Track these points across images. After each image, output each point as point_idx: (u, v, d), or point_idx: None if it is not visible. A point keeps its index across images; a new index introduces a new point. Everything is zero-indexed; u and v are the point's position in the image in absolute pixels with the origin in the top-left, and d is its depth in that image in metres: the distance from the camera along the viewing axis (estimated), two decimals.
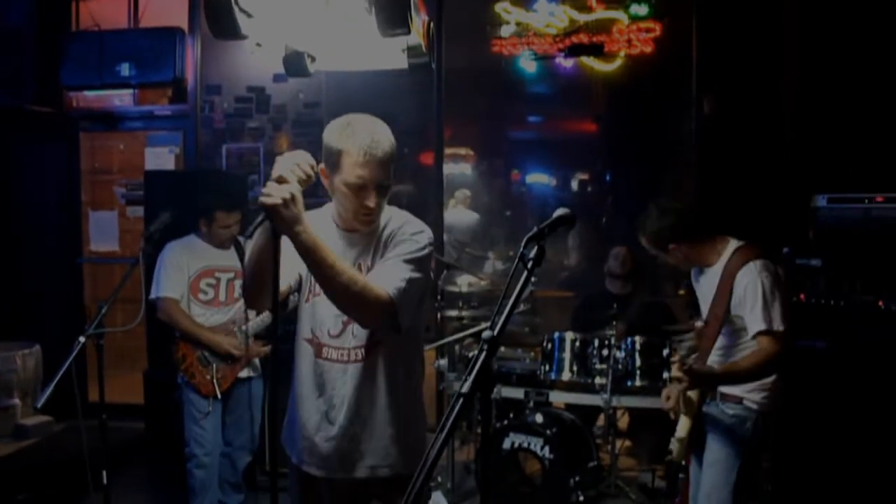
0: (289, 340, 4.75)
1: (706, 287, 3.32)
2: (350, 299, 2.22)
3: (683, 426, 3.35)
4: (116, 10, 6.52)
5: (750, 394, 3.17)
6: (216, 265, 4.33)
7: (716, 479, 3.22)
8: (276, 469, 2.47)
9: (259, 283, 2.23)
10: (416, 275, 2.33)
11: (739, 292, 3.11)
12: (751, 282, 3.08)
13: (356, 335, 2.42)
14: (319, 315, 2.46)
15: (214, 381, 4.20)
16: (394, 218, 2.49)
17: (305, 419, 2.52)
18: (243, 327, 4.24)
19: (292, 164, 2.13)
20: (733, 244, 3.26)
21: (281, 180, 2.09)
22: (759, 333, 3.05)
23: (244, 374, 4.32)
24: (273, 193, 2.05)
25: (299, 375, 2.53)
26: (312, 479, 2.55)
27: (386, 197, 2.40)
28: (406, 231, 2.42)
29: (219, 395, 4.22)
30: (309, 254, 2.14)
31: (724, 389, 3.23)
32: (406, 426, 2.50)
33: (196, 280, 4.28)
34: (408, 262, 2.34)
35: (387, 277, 2.29)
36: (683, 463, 3.56)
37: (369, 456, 2.47)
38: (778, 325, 3.03)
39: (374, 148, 2.29)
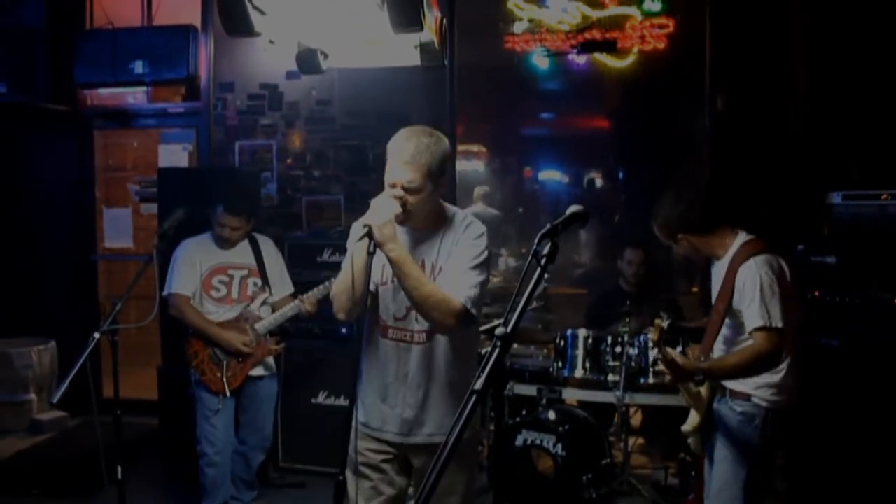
0: (301, 336, 4.75)
1: (716, 279, 3.32)
2: (429, 308, 2.59)
3: (691, 420, 3.35)
4: (130, 7, 6.55)
5: (758, 391, 3.15)
6: (229, 262, 4.34)
7: (725, 476, 3.21)
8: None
9: (363, 296, 2.62)
10: (482, 277, 2.68)
11: (739, 287, 3.10)
12: (750, 277, 3.07)
13: (419, 319, 2.72)
14: (386, 301, 2.79)
15: (224, 379, 4.22)
16: (455, 219, 2.79)
17: (372, 391, 2.83)
18: (255, 326, 4.26)
19: (389, 200, 2.58)
20: (741, 238, 3.24)
21: (378, 208, 2.55)
22: (756, 329, 3.03)
23: (256, 372, 4.33)
24: (375, 216, 2.52)
25: (367, 353, 2.84)
26: (376, 441, 2.84)
27: (417, 198, 2.63)
28: (468, 235, 2.73)
29: (228, 394, 4.23)
30: (397, 266, 2.56)
31: (732, 386, 3.21)
32: (461, 398, 2.66)
33: (208, 277, 4.30)
34: (474, 268, 2.66)
35: (459, 287, 2.62)
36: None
37: (428, 425, 2.77)
38: (776, 322, 3.00)
39: (398, 151, 2.61)
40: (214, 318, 4.26)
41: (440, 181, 2.67)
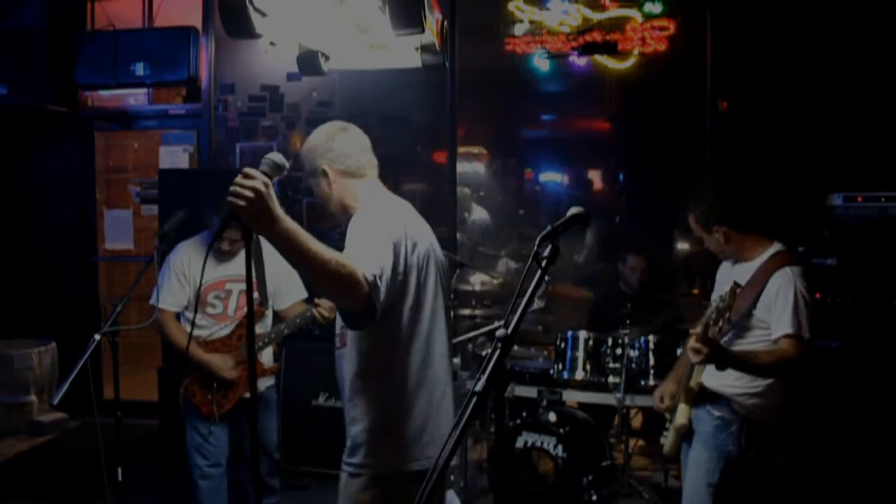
0: (301, 337, 4.67)
1: (723, 282, 3.30)
2: (331, 283, 2.12)
3: (682, 413, 3.31)
4: (131, 9, 6.55)
5: (739, 398, 3.15)
6: (228, 275, 4.05)
7: (697, 480, 3.22)
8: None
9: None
10: (379, 248, 2.25)
11: (771, 293, 3.08)
12: (785, 284, 3.06)
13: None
14: None
15: (214, 402, 3.94)
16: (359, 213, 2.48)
17: None
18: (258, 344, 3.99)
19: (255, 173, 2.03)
20: (776, 247, 3.25)
21: (246, 175, 1.98)
22: (785, 336, 3.01)
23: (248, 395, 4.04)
24: (234, 197, 1.95)
25: None
26: None
27: (315, 191, 2.59)
28: (356, 223, 2.39)
29: (217, 419, 3.95)
30: (280, 249, 2.08)
31: (714, 389, 3.20)
32: (378, 420, 2.46)
33: (204, 293, 4.00)
34: (364, 239, 2.29)
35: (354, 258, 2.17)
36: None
37: (348, 442, 2.52)
38: (805, 333, 2.99)
39: None
40: (207, 335, 3.99)
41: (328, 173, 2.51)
